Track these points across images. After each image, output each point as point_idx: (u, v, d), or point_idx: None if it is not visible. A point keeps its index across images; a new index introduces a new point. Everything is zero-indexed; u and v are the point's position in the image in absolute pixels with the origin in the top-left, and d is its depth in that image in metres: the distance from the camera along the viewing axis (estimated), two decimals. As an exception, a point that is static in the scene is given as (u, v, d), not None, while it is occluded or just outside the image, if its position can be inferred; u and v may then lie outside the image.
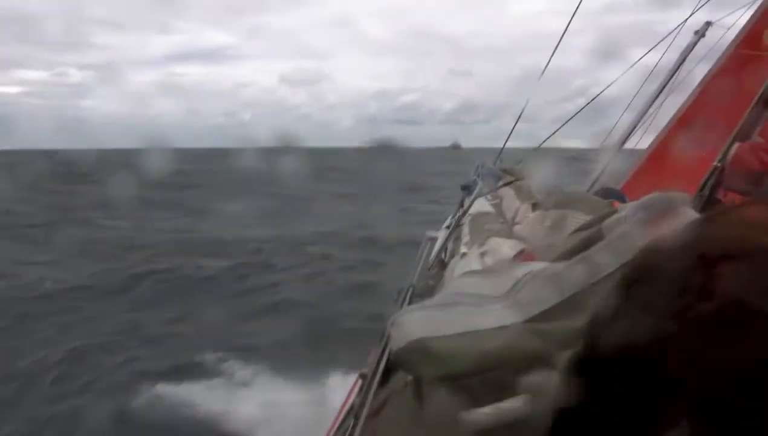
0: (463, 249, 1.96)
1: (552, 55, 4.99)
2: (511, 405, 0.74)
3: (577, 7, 4.85)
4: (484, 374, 0.79)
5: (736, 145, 2.96)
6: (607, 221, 1.02)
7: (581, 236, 1.01)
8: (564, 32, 4.94)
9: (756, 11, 4.12)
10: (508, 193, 2.74)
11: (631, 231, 0.89)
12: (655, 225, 0.86)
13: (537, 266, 0.99)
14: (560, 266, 0.91)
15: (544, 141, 5.06)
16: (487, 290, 0.98)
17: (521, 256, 1.38)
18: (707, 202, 3.14)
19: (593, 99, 4.95)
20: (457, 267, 1.65)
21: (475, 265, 1.43)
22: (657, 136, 4.68)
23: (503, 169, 3.78)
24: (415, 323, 0.90)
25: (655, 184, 4.24)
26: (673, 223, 0.84)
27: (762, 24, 3.93)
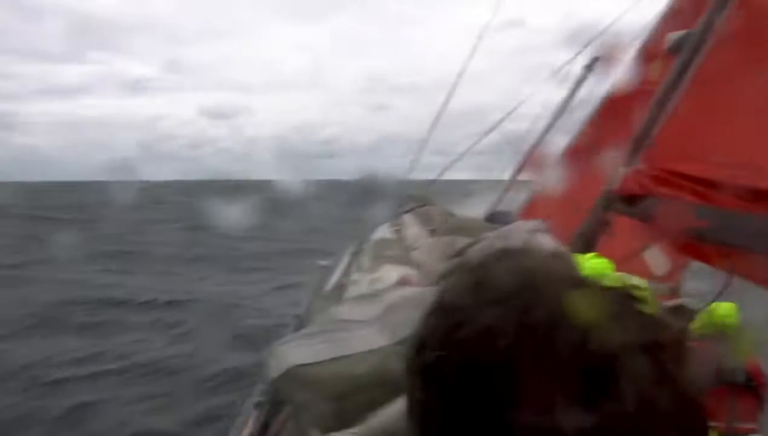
0: (355, 276, 1.99)
1: (453, 88, 5.18)
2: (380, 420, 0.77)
3: (475, 47, 5.07)
4: (355, 397, 0.81)
5: (621, 170, 3.17)
6: (475, 248, 1.08)
7: (453, 262, 1.07)
8: (463, 68, 5.16)
9: (641, 47, 4.45)
10: (409, 219, 2.81)
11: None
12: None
13: (410, 291, 1.03)
14: (429, 290, 0.95)
15: (442, 171, 5.25)
16: (361, 315, 1.01)
17: (402, 281, 1.42)
18: (598, 225, 3.34)
19: (486, 134, 5.23)
20: (346, 294, 1.68)
21: (364, 291, 1.45)
22: (553, 163, 4.93)
23: (408, 195, 3.85)
24: (290, 352, 0.92)
25: (552, 208, 4.47)
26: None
27: (646, 58, 4.22)
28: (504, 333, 0.54)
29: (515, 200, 5.30)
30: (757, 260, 2.66)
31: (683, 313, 3.51)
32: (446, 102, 5.34)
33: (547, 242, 1.05)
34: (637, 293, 0.64)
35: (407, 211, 2.98)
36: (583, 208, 3.47)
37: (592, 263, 1.96)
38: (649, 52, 4.04)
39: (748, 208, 2.57)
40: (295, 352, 0.91)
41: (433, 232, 2.28)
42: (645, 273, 3.92)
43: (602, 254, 3.29)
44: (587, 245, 3.23)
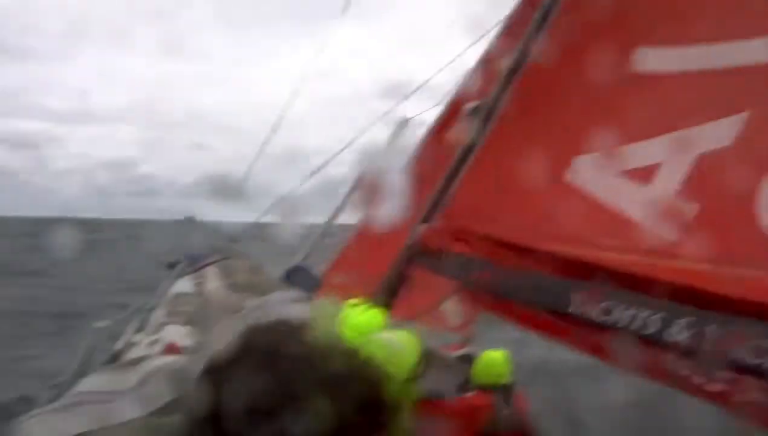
0: (137, 337, 1.89)
1: (273, 130, 5.24)
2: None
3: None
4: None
5: (422, 226, 3.37)
6: (234, 317, 1.10)
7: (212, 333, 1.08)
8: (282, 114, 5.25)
9: (444, 111, 4.80)
10: (212, 272, 2.74)
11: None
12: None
13: (170, 360, 1.02)
14: (183, 360, 0.96)
15: (261, 214, 5.27)
16: (117, 385, 0.98)
17: (169, 349, 1.38)
18: (400, 278, 3.51)
19: (308, 179, 5.38)
20: (122, 359, 1.59)
21: (135, 356, 1.39)
22: (365, 214, 5.14)
23: (214, 246, 3.76)
24: (35, 428, 0.86)
25: (361, 258, 4.62)
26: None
27: (448, 121, 4.56)
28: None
29: (330, 246, 5.44)
30: (539, 313, 2.92)
31: (469, 361, 3.78)
32: (265, 144, 5.39)
33: (301, 312, 1.11)
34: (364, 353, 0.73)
35: (211, 263, 2.91)
36: (391, 260, 3.63)
37: (358, 320, 2.06)
38: (451, 116, 4.38)
39: (531, 267, 2.84)
40: (41, 427, 0.86)
41: (231, 287, 2.26)
42: (443, 323, 4.18)
43: (404, 305, 3.48)
44: (389, 297, 3.38)
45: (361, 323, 2.15)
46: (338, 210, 5.50)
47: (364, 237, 4.95)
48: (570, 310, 2.55)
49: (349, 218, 5.66)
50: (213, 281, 2.60)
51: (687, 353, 2.10)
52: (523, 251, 2.88)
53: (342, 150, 6.06)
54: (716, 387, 2.06)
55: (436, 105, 5.13)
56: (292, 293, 1.14)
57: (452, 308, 3.66)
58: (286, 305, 1.11)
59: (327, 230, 5.45)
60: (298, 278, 3.15)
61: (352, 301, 2.53)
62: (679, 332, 2.12)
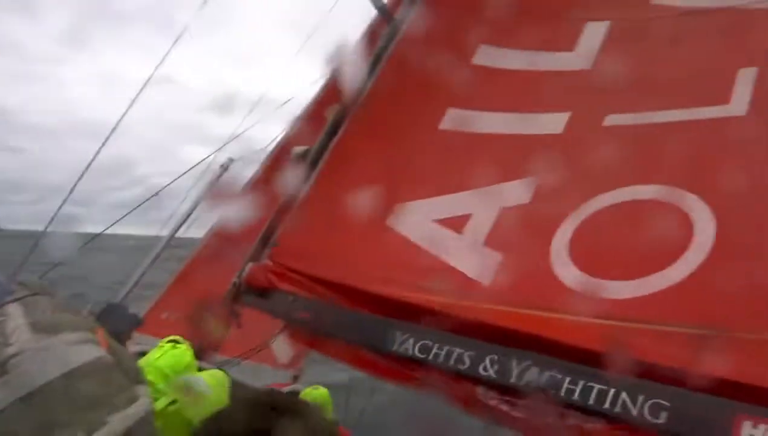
0: None
1: (107, 138, 4.96)
2: None
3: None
4: None
5: (250, 265, 3.37)
6: (14, 360, 1.07)
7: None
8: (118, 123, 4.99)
9: (271, 155, 4.86)
10: (15, 310, 2.48)
11: (27, 369, 0.96)
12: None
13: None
14: None
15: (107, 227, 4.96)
16: None
17: None
18: (227, 315, 3.45)
19: (158, 192, 5.17)
20: None
21: None
22: (197, 246, 5.02)
23: (20, 282, 3.41)
24: None
25: (188, 295, 4.48)
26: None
27: (277, 162, 4.61)
28: None
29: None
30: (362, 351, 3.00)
31: (297, 396, 3.78)
32: (98, 151, 5.07)
33: (90, 353, 1.11)
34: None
35: (16, 300, 2.64)
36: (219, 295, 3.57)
37: (162, 363, 2.01)
38: (280, 157, 4.43)
39: (354, 306, 2.94)
40: None
41: (34, 326, 2.07)
42: (271, 361, 4.16)
43: (234, 343, 3.43)
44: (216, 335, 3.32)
45: (165, 365, 2.10)
46: (171, 235, 5.30)
47: (191, 274, 4.81)
48: (391, 348, 2.68)
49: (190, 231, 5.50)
50: (16, 319, 2.36)
51: (494, 385, 2.32)
52: (346, 291, 2.98)
53: (182, 175, 5.89)
54: (518, 413, 2.27)
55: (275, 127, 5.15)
56: (79, 334, 1.12)
57: (280, 346, 3.65)
58: (69, 347, 1.08)
59: (160, 253, 5.24)
60: (112, 316, 2.98)
61: (165, 340, 2.45)
62: (487, 367, 2.34)
